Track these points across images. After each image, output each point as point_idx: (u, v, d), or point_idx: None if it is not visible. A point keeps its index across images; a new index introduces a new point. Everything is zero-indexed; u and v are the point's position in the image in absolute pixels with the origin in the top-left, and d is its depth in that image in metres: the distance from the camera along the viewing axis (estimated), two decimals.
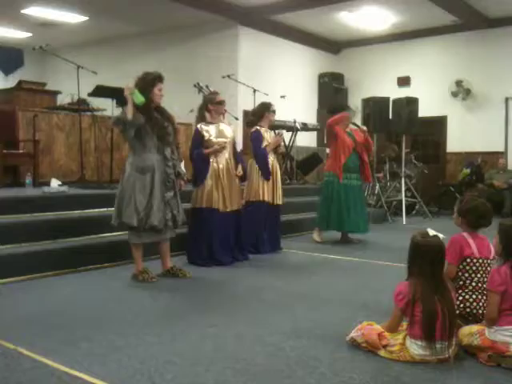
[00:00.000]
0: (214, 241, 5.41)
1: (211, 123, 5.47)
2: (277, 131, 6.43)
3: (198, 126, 5.46)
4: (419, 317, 2.85)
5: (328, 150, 7.63)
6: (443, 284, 2.95)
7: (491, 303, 2.90)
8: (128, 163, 4.62)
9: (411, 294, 2.87)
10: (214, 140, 5.40)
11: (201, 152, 5.37)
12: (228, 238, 5.53)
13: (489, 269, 3.29)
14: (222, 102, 5.51)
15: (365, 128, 7.08)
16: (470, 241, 3.29)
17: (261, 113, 6.29)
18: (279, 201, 6.25)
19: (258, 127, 6.23)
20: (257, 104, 6.74)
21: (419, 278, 2.91)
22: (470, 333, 2.98)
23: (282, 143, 6.59)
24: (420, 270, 2.92)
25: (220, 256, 5.44)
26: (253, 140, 6.21)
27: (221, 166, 5.42)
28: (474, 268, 3.27)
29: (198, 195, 5.39)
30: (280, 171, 6.44)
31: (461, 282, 3.28)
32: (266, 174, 6.10)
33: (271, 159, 6.20)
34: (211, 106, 5.46)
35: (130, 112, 4.45)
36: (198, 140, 5.42)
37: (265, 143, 6.14)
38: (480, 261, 3.27)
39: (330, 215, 6.85)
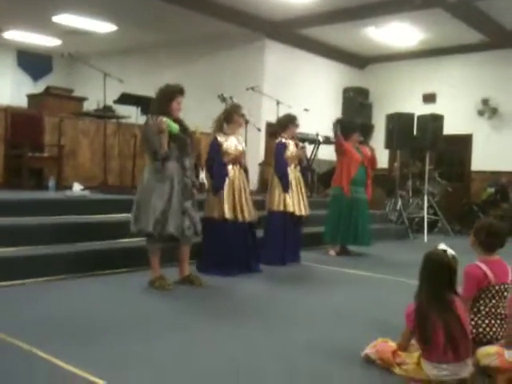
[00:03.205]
0: (226, 251, 5.37)
1: (228, 134, 5.48)
2: (300, 144, 6.43)
3: (217, 135, 5.45)
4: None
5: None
6: (451, 304, 2.84)
7: (510, 328, 2.83)
8: (147, 171, 4.66)
9: (415, 315, 2.81)
10: (231, 151, 5.41)
11: (220, 161, 5.37)
12: (240, 248, 5.48)
13: (505, 294, 3.21)
14: (244, 115, 5.56)
15: (373, 147, 7.31)
16: (486, 269, 3.17)
17: (285, 124, 6.35)
18: (302, 212, 6.23)
19: (283, 139, 6.27)
20: (281, 115, 6.77)
21: (425, 294, 2.84)
22: (487, 354, 2.91)
23: (304, 155, 6.60)
24: (428, 287, 2.86)
25: (231, 266, 5.38)
26: (276, 151, 6.26)
27: (236, 177, 5.44)
28: (490, 295, 3.18)
29: (213, 204, 5.37)
30: (304, 182, 6.45)
31: (475, 309, 3.20)
32: (286, 186, 6.11)
33: (295, 171, 6.23)
34: (237, 117, 5.49)
35: (164, 145, 4.52)
36: (217, 150, 5.40)
37: (288, 153, 6.18)
38: (497, 287, 3.18)
39: (339, 229, 6.90)
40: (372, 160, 7.18)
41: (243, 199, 5.44)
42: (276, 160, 6.25)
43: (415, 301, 2.86)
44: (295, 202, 6.17)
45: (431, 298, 2.81)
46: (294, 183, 6.22)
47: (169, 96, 4.67)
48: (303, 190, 6.33)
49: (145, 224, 4.55)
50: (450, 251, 2.92)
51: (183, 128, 4.79)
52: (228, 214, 5.33)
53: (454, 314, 2.81)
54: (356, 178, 6.92)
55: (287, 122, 6.34)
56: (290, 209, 6.10)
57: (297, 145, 6.38)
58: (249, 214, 5.49)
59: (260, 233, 6.15)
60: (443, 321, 2.76)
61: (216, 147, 5.41)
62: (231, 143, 5.44)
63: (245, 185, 5.53)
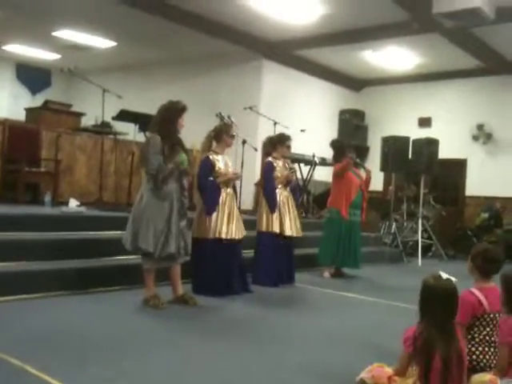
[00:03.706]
0: (220, 272, 5.33)
1: (218, 153, 5.46)
2: (290, 165, 6.40)
3: (208, 154, 5.39)
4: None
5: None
6: (452, 330, 2.86)
7: (500, 355, 2.84)
8: (146, 189, 4.63)
9: (418, 340, 2.81)
10: (223, 170, 5.38)
11: (214, 181, 5.32)
12: (233, 268, 5.45)
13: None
14: (233, 136, 5.56)
15: (369, 169, 7.34)
16: (481, 297, 3.19)
17: (275, 143, 6.35)
18: (293, 233, 6.20)
19: (271, 159, 6.28)
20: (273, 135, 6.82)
21: (428, 323, 2.85)
22: (481, 381, 2.91)
23: (295, 177, 6.59)
24: (430, 313, 2.86)
25: (224, 287, 5.35)
26: (264, 172, 6.29)
27: (227, 196, 5.42)
28: (484, 323, 3.20)
29: (204, 225, 5.28)
30: (294, 202, 6.41)
31: (469, 336, 3.20)
32: (272, 206, 6.08)
33: (284, 192, 6.21)
34: (226, 137, 5.46)
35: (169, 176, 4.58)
36: (209, 168, 5.33)
37: (277, 174, 6.17)
38: (491, 315, 3.19)
39: (338, 251, 6.90)
40: (367, 182, 7.22)
41: (235, 219, 5.42)
42: (264, 180, 6.26)
43: (419, 329, 2.84)
44: (284, 222, 6.12)
45: (440, 328, 2.80)
46: (282, 203, 6.17)
47: (176, 114, 4.67)
48: (293, 210, 6.27)
49: (144, 243, 4.53)
50: (453, 279, 2.93)
51: (181, 146, 4.80)
52: (224, 235, 5.31)
53: (457, 343, 2.82)
54: (355, 200, 6.97)
55: (276, 142, 6.34)
56: (277, 230, 6.06)
57: (287, 166, 6.35)
58: (241, 233, 5.49)
59: (251, 253, 6.15)
60: (446, 349, 2.76)
61: (209, 166, 5.34)
62: (222, 163, 5.42)
63: (234, 204, 5.53)
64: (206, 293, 5.22)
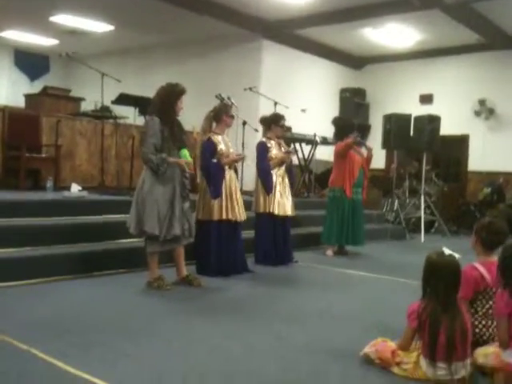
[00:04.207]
0: (224, 252, 5.35)
1: (218, 134, 5.41)
2: (290, 148, 6.33)
3: (210, 135, 5.34)
4: None
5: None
6: (456, 305, 2.88)
7: (500, 328, 2.86)
8: (149, 173, 4.61)
9: (422, 315, 2.83)
10: (224, 151, 5.34)
11: (219, 163, 5.30)
12: (236, 249, 5.48)
13: None
14: (233, 116, 5.52)
15: (371, 147, 7.26)
16: (484, 271, 3.20)
17: (269, 123, 6.26)
18: (288, 212, 6.16)
19: (265, 139, 6.22)
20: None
21: (432, 298, 2.86)
22: (485, 353, 2.93)
23: (294, 158, 6.52)
24: (434, 289, 2.88)
25: (229, 267, 5.39)
26: (257, 153, 6.19)
27: (231, 178, 5.41)
28: (487, 297, 3.21)
29: (209, 206, 5.27)
30: (295, 183, 6.37)
31: (472, 310, 3.22)
32: (268, 188, 6.04)
33: (279, 172, 6.16)
34: (225, 117, 5.41)
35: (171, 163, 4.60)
36: (212, 150, 5.29)
37: (271, 155, 6.11)
38: (494, 289, 3.20)
39: (343, 230, 6.91)
40: (368, 160, 7.19)
41: (238, 200, 5.44)
42: (257, 162, 6.15)
43: (423, 304, 2.86)
44: (281, 202, 6.08)
45: (444, 303, 2.83)
46: (278, 183, 6.14)
47: (175, 96, 4.65)
48: (287, 189, 6.23)
49: (149, 226, 4.54)
50: (456, 255, 2.94)
51: (181, 129, 4.79)
52: (230, 216, 5.31)
53: (461, 317, 2.84)
54: (358, 179, 6.96)
55: (270, 122, 6.23)
56: (275, 210, 6.04)
57: (282, 147, 6.30)
58: (243, 213, 5.49)
59: (250, 234, 6.15)
60: (450, 323, 2.79)
61: (212, 147, 5.30)
62: (223, 144, 5.38)
63: (237, 185, 5.53)
64: (211, 273, 5.25)
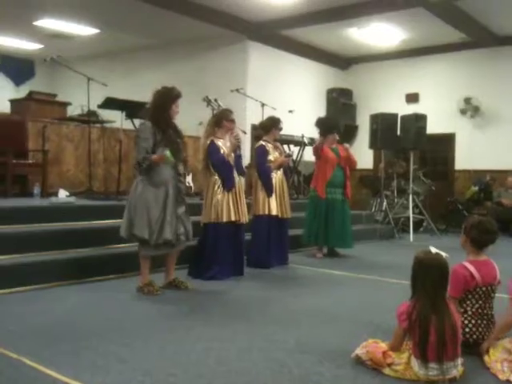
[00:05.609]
0: (222, 255, 5.38)
1: (221, 138, 5.46)
2: (289, 151, 6.45)
3: (213, 139, 5.39)
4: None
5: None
6: (445, 304, 2.90)
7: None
8: (141, 177, 4.60)
9: (412, 315, 2.84)
10: (227, 153, 5.38)
11: (230, 165, 5.37)
12: (234, 251, 5.51)
13: (492, 294, 3.27)
14: (234, 121, 5.55)
15: (347, 146, 7.24)
16: (474, 270, 3.22)
17: (269, 127, 6.35)
18: (286, 214, 6.25)
19: (264, 142, 6.29)
20: (265, 118, 6.77)
21: (421, 297, 2.88)
22: (503, 346, 2.99)
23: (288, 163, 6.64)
24: (422, 288, 2.89)
25: (228, 268, 5.44)
26: (257, 156, 6.27)
27: (238, 180, 5.50)
28: (477, 296, 3.24)
29: (220, 208, 5.31)
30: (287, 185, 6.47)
31: (461, 309, 3.25)
32: (269, 190, 6.12)
33: (278, 174, 6.25)
34: (226, 122, 5.46)
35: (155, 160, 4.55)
36: (219, 151, 5.36)
37: (270, 158, 6.20)
38: (483, 289, 3.23)
39: (318, 230, 6.90)
40: (348, 159, 7.07)
41: (243, 202, 5.50)
42: (258, 165, 6.24)
43: (413, 303, 2.88)
44: (280, 204, 6.18)
45: (433, 302, 2.84)
46: (277, 186, 6.22)
47: (170, 100, 4.64)
48: (285, 192, 6.34)
49: (139, 230, 4.54)
50: (444, 254, 2.95)
51: (177, 131, 4.78)
52: (239, 217, 5.41)
53: (450, 316, 2.85)
54: (332, 179, 6.88)
55: (271, 126, 6.34)
56: (274, 212, 6.11)
57: (279, 149, 6.39)
58: (246, 215, 5.57)
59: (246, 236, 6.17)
60: (440, 322, 2.80)
61: (218, 149, 5.36)
62: (225, 147, 5.42)
63: (242, 187, 5.58)
64: (205, 276, 5.28)
